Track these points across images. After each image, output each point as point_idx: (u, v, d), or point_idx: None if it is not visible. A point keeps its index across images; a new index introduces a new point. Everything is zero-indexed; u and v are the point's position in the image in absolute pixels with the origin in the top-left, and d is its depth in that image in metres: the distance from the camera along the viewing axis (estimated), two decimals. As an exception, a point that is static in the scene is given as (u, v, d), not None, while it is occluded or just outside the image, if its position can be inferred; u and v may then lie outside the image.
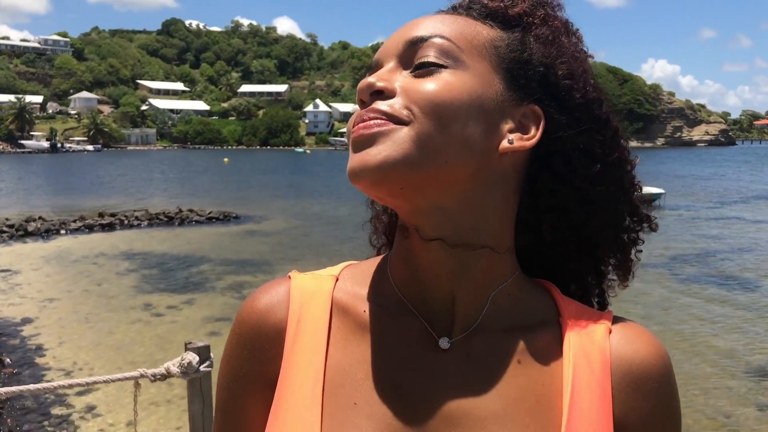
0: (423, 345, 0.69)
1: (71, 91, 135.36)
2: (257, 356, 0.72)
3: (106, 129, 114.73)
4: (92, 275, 13.78)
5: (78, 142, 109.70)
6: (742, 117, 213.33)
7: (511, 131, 0.68)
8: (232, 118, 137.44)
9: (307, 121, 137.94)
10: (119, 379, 2.84)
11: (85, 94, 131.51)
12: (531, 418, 0.65)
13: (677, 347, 9.01)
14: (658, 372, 0.68)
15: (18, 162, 72.40)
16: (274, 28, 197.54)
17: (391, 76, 0.67)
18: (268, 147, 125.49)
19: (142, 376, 2.75)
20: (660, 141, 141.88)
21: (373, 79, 0.67)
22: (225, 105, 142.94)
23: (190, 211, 23.37)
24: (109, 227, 20.57)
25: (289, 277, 0.76)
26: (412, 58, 0.68)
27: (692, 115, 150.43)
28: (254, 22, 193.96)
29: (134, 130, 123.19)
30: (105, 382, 2.82)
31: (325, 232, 19.73)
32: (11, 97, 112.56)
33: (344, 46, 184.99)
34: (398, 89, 0.66)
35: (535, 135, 0.68)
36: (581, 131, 0.70)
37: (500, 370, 0.68)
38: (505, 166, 0.68)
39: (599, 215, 0.73)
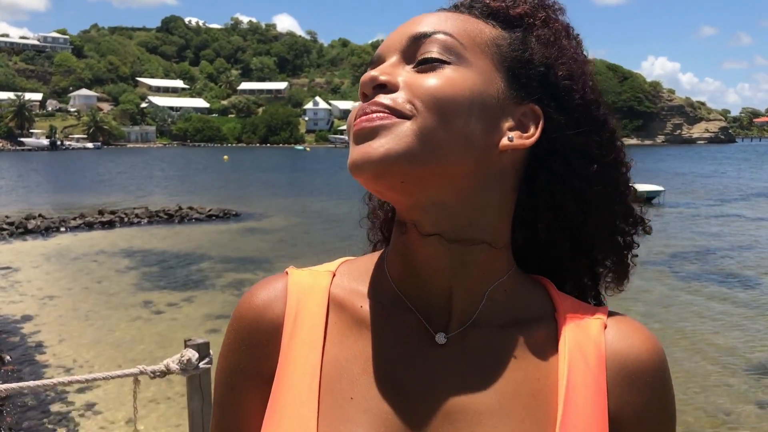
0: (420, 340, 0.70)
1: (71, 88, 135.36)
2: (255, 351, 0.72)
3: (105, 126, 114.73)
4: (92, 273, 13.78)
5: (78, 140, 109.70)
6: (742, 114, 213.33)
7: (511, 129, 0.68)
8: (232, 115, 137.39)
9: (306, 118, 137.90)
10: (119, 376, 2.84)
11: (84, 91, 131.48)
12: (527, 413, 0.66)
13: (678, 345, 9.01)
14: (652, 367, 0.69)
15: (18, 160, 72.38)
16: (273, 26, 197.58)
17: (394, 70, 0.68)
18: (268, 144, 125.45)
19: (141, 373, 2.75)
20: (660, 138, 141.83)
21: (376, 73, 0.67)
22: (225, 102, 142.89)
23: (190, 208, 23.36)
24: (109, 225, 20.56)
25: (287, 273, 0.76)
26: (415, 54, 0.68)
27: (692, 112, 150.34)
28: (254, 20, 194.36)
29: (134, 127, 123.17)
30: (105, 378, 2.82)
31: (325, 230, 19.72)
32: (11, 95, 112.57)
33: (344, 43, 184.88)
34: (401, 83, 0.66)
35: (534, 134, 0.69)
36: (579, 132, 0.71)
37: (496, 365, 0.68)
38: (504, 164, 0.69)
39: (595, 215, 0.74)
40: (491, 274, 0.71)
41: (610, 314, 0.72)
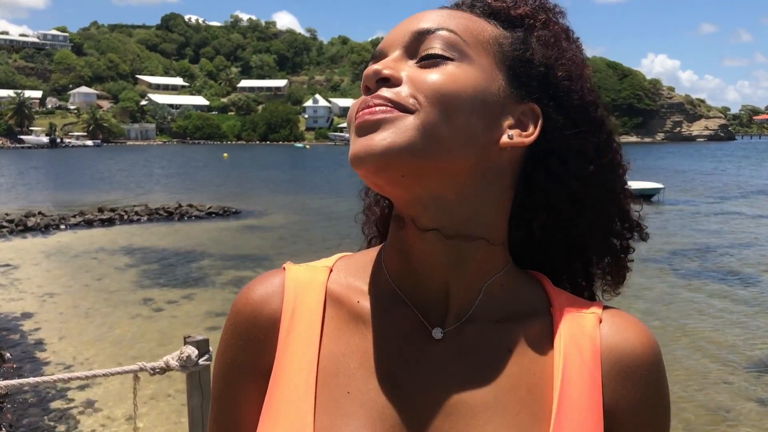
0: (416, 335, 0.70)
1: (70, 86, 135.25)
2: (252, 346, 0.72)
3: (105, 124, 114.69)
4: (92, 270, 13.78)
5: (77, 137, 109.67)
6: (742, 112, 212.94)
7: (511, 127, 0.69)
8: (232, 113, 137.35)
9: (306, 116, 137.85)
10: (119, 373, 2.83)
11: (84, 89, 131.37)
12: (522, 407, 0.66)
13: (678, 342, 9.02)
14: (647, 360, 0.69)
15: (17, 157, 72.36)
16: (273, 23, 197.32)
17: (397, 65, 0.68)
18: (268, 142, 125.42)
19: (141, 369, 2.74)
20: (659, 136, 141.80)
21: (380, 67, 0.67)
22: (224, 100, 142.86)
23: (190, 206, 23.37)
24: (108, 222, 20.57)
25: (284, 269, 0.77)
26: (418, 49, 0.69)
27: (692, 110, 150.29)
28: (253, 17, 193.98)
29: (134, 125, 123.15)
30: (104, 375, 2.81)
31: (325, 228, 19.72)
32: (10, 92, 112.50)
33: (344, 41, 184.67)
34: (404, 78, 0.66)
35: (533, 133, 0.70)
36: (577, 133, 0.72)
37: (492, 359, 0.69)
38: (503, 161, 0.70)
39: (589, 216, 0.75)
40: (488, 269, 0.71)
41: (605, 308, 0.73)
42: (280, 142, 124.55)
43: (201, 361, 2.80)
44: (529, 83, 0.71)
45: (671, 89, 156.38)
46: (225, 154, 73.02)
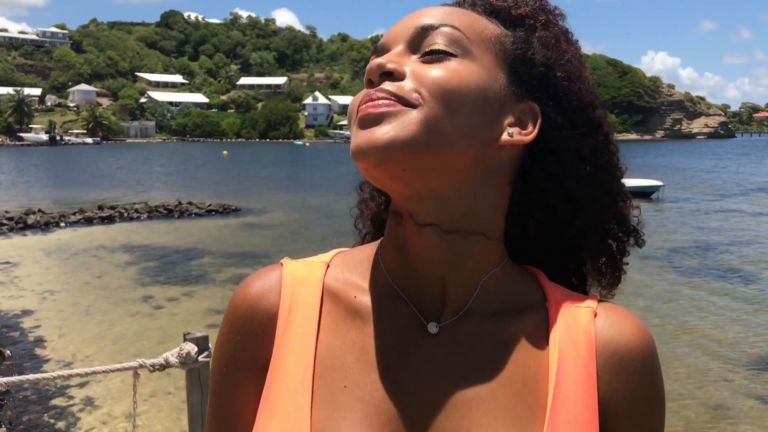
0: (412, 330, 0.70)
1: (70, 83, 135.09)
2: (250, 341, 0.73)
3: (105, 122, 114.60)
4: (92, 268, 13.78)
5: (77, 135, 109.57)
6: (742, 109, 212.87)
7: (510, 125, 0.70)
8: (231, 110, 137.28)
9: (306, 113, 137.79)
10: (118, 369, 2.83)
11: (83, 86, 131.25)
12: (518, 400, 0.67)
13: (678, 340, 9.03)
14: (642, 354, 0.69)
15: (17, 155, 72.32)
16: (273, 20, 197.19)
17: (400, 59, 0.68)
18: (267, 140, 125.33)
19: (141, 366, 2.75)
20: (659, 133, 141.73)
21: (384, 60, 0.68)
22: (224, 97, 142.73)
23: (190, 203, 23.35)
24: (108, 220, 20.57)
25: (281, 264, 0.77)
26: (421, 45, 0.69)
27: (692, 107, 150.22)
28: (253, 14, 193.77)
29: (133, 122, 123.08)
30: (104, 372, 2.82)
31: (325, 225, 19.71)
32: (10, 90, 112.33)
33: (343, 38, 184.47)
34: (408, 73, 0.67)
35: (532, 131, 0.71)
36: (575, 133, 0.73)
37: (488, 353, 0.69)
38: (502, 159, 0.70)
39: (585, 216, 0.75)
40: (485, 264, 0.72)
41: (600, 303, 0.73)
42: (280, 140, 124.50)
43: (200, 358, 2.80)
44: (529, 82, 0.71)
45: (671, 87, 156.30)
46: (225, 152, 73.00)
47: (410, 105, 0.65)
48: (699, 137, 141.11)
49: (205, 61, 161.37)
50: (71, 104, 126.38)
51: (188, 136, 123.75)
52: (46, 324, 9.65)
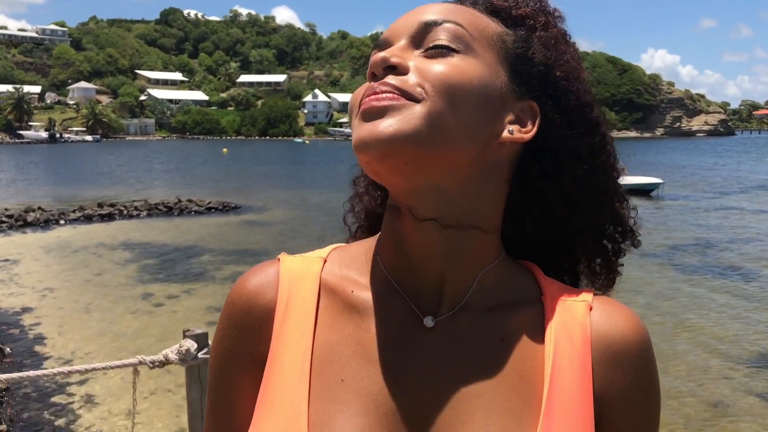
0: (409, 324, 0.71)
1: (69, 81, 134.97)
2: (247, 336, 0.73)
3: (104, 119, 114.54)
4: (92, 265, 13.78)
5: (77, 133, 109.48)
6: (742, 107, 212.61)
7: (510, 123, 0.70)
8: (231, 108, 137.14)
9: (306, 111, 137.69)
10: (118, 366, 2.83)
11: (83, 84, 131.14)
12: (514, 393, 0.67)
13: (679, 337, 9.03)
14: (637, 347, 0.70)
15: (17, 152, 72.28)
16: (272, 18, 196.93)
17: (403, 53, 0.69)
18: (267, 137, 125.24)
19: (140, 363, 2.75)
20: (659, 131, 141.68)
21: (388, 54, 0.68)
22: (224, 95, 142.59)
23: (190, 201, 23.34)
24: (108, 217, 20.56)
25: (279, 260, 0.78)
26: (424, 40, 0.70)
27: (691, 105, 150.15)
28: (253, 12, 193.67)
29: (133, 120, 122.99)
30: (104, 369, 2.82)
31: (325, 223, 19.68)
32: (9, 87, 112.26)
33: (343, 35, 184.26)
34: (411, 67, 0.67)
35: (532, 129, 0.71)
36: (573, 133, 0.74)
37: (484, 347, 0.70)
38: (501, 156, 0.71)
39: (581, 216, 0.76)
40: (483, 259, 0.72)
41: (595, 297, 0.74)
42: (280, 138, 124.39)
43: (200, 355, 2.80)
44: (529, 81, 0.72)
45: (671, 84, 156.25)
46: (224, 150, 72.95)
47: (414, 99, 0.65)
48: (699, 135, 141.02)
49: (205, 59, 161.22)
50: (71, 102, 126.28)
51: (188, 133, 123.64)
52: (46, 321, 9.65)
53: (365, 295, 0.73)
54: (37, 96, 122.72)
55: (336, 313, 0.73)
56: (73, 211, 20.63)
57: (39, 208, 20.79)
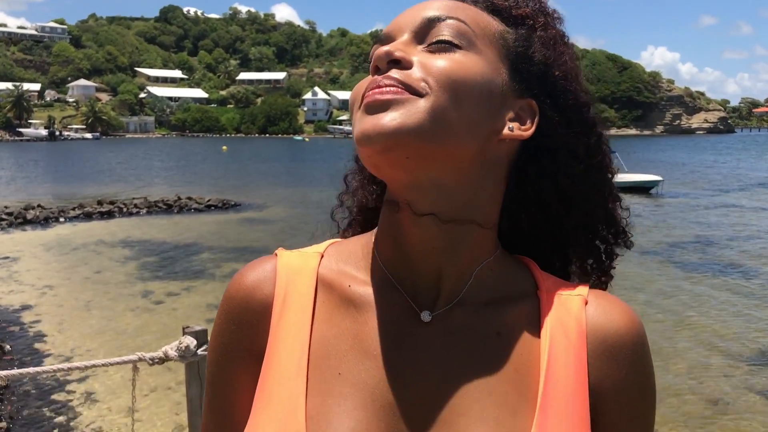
0: (406, 318, 0.71)
1: (69, 78, 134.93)
2: (245, 331, 0.74)
3: (104, 117, 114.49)
4: (91, 263, 13.78)
5: (76, 130, 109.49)
6: (742, 105, 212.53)
7: (510, 120, 0.71)
8: (231, 105, 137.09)
9: (305, 108, 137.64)
10: (118, 363, 2.83)
11: (83, 81, 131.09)
12: (510, 386, 0.68)
13: (680, 334, 9.03)
14: (632, 341, 0.70)
15: (16, 150, 72.24)
16: (272, 15, 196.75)
17: (407, 48, 0.69)
18: (267, 135, 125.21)
19: (140, 359, 2.74)
20: (659, 129, 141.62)
21: (392, 48, 0.68)
22: (223, 93, 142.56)
23: (189, 198, 23.34)
24: (108, 215, 20.55)
25: (276, 255, 0.78)
26: (427, 35, 0.70)
27: (691, 102, 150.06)
28: (252, 9, 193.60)
29: (132, 117, 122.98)
30: (104, 365, 2.81)
31: (325, 220, 19.67)
32: (9, 85, 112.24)
33: (343, 33, 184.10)
34: (415, 62, 0.68)
35: (531, 127, 0.72)
36: (570, 132, 0.75)
37: (480, 341, 0.70)
38: (500, 153, 0.72)
39: (575, 215, 0.77)
40: (480, 254, 0.73)
41: (591, 291, 0.74)
42: (279, 135, 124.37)
43: (200, 351, 2.80)
44: (529, 79, 0.73)
45: (671, 82, 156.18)
46: (224, 147, 72.88)
47: (417, 94, 0.65)
48: (698, 132, 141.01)
49: (205, 56, 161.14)
50: (70, 99, 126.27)
51: (187, 131, 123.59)
52: (45, 319, 9.64)
53: (362, 290, 0.73)
54: (36, 94, 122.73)
55: (333, 308, 0.73)
56: (73, 209, 20.62)
57: (39, 205, 20.79)
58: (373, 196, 0.84)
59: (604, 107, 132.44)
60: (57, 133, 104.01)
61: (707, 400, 6.91)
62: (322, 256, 0.78)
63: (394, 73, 0.67)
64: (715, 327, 9.44)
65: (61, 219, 19.53)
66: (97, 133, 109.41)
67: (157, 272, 12.93)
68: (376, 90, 0.66)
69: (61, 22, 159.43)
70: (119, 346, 8.32)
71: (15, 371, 3.04)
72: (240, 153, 65.77)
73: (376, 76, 0.68)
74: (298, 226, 18.86)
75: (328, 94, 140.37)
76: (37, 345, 8.50)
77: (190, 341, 2.78)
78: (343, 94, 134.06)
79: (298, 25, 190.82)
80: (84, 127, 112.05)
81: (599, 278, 0.81)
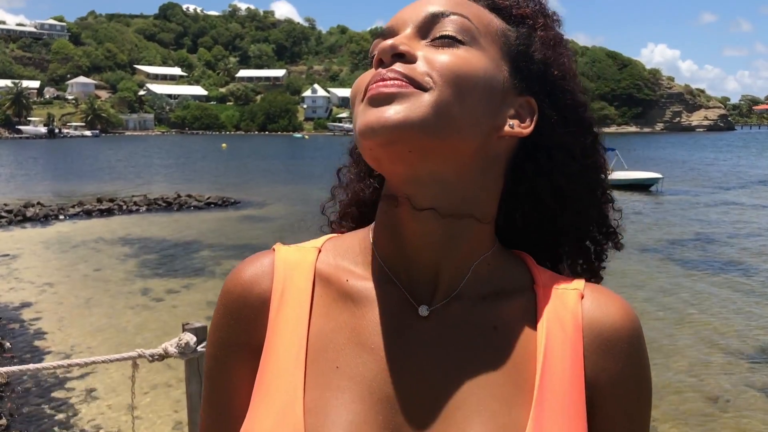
0: (404, 313, 0.72)
1: (68, 76, 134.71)
2: (243, 325, 0.74)
3: (103, 114, 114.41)
4: (91, 260, 13.78)
5: (76, 128, 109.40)
6: (742, 102, 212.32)
7: (510, 117, 0.72)
8: (230, 103, 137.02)
9: (305, 106, 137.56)
10: (118, 359, 2.82)
11: (82, 79, 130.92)
12: (506, 379, 0.68)
13: (680, 332, 9.03)
14: (627, 334, 0.71)
15: (16, 147, 72.18)
16: (272, 12, 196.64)
17: (411, 42, 0.70)
18: (266, 132, 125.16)
19: (140, 356, 2.74)
20: (659, 126, 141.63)
21: (396, 42, 0.68)
22: (223, 90, 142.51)
23: (189, 196, 23.34)
24: (107, 212, 20.54)
25: (274, 250, 0.79)
26: (431, 30, 0.70)
27: (691, 100, 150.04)
28: (252, 6, 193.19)
29: (132, 115, 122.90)
30: (104, 362, 2.81)
31: (325, 218, 19.66)
32: (8, 83, 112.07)
33: (342, 30, 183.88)
34: (419, 56, 0.68)
35: (530, 125, 0.73)
36: (567, 131, 0.75)
37: (477, 335, 0.71)
38: (500, 149, 0.72)
39: (568, 213, 0.78)
40: (478, 248, 0.73)
41: (587, 285, 0.75)
42: (279, 133, 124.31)
43: (200, 348, 2.79)
44: (529, 78, 0.74)
45: (671, 79, 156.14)
46: (223, 145, 72.88)
47: (421, 88, 0.65)
48: (698, 130, 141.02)
49: (204, 54, 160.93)
50: (70, 97, 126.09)
51: (187, 128, 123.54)
52: (45, 316, 9.64)
53: (360, 285, 0.74)
54: (35, 91, 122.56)
55: (331, 302, 0.73)
56: (73, 206, 20.62)
57: (38, 203, 20.78)
58: (369, 189, 0.84)
59: (604, 104, 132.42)
60: (56, 130, 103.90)
61: (708, 397, 6.91)
62: (320, 251, 0.78)
63: (399, 66, 0.67)
64: (715, 324, 9.44)
65: (61, 216, 19.53)
66: (97, 131, 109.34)
67: (156, 270, 12.93)
68: (381, 83, 0.66)
69: (61, 20, 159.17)
70: (119, 343, 8.32)
71: (15, 368, 3.03)
72: (239, 150, 65.75)
73: (380, 69, 0.68)
74: (298, 224, 18.86)
75: (328, 92, 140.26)
76: (37, 342, 8.50)
77: (190, 338, 2.77)
78: (342, 92, 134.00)
79: (298, 23, 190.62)
80: (83, 124, 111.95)
81: (588, 280, 0.81)
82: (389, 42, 0.68)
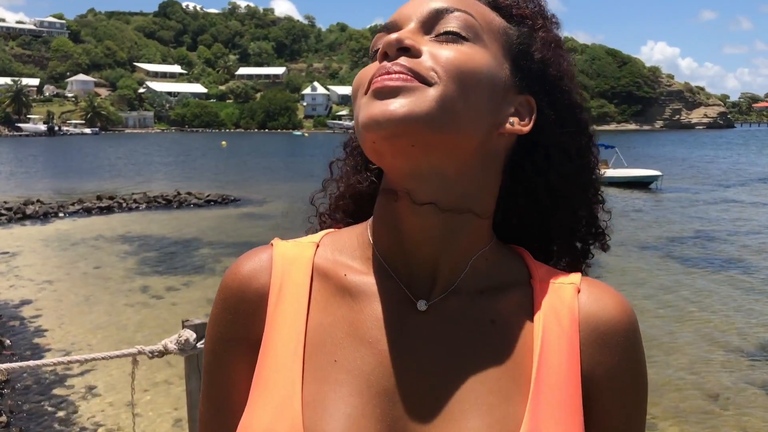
0: (401, 307, 0.72)
1: (68, 73, 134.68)
2: (241, 320, 0.74)
3: (103, 112, 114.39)
4: (91, 258, 13.77)
5: (75, 125, 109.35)
6: (741, 100, 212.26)
7: (511, 115, 0.73)
8: (230, 100, 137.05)
9: (305, 103, 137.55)
10: (117, 356, 2.82)
11: (81, 76, 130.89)
12: (503, 373, 0.69)
13: (680, 329, 9.03)
14: (624, 328, 0.71)
15: (15, 145, 72.15)
16: (271, 10, 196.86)
17: (415, 36, 0.70)
18: (266, 130, 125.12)
19: (139, 352, 2.73)
20: (659, 124, 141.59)
21: (402, 36, 0.69)
22: (222, 88, 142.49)
23: (189, 194, 23.32)
24: (107, 210, 20.54)
25: (272, 245, 0.79)
26: (435, 26, 0.71)
27: (691, 97, 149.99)
28: (252, 4, 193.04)
29: (132, 113, 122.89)
30: (103, 358, 2.80)
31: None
32: (8, 80, 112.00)
33: (342, 28, 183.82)
34: (424, 51, 0.68)
35: (529, 123, 0.73)
36: (564, 131, 0.77)
37: (475, 329, 0.71)
38: (499, 146, 0.73)
39: (561, 212, 0.79)
40: (476, 243, 0.74)
41: (583, 279, 0.75)
42: (279, 130, 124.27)
43: (199, 345, 2.79)
44: (528, 76, 0.75)
45: (670, 77, 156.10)
46: (223, 142, 72.83)
47: (426, 82, 0.66)
48: (698, 127, 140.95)
49: (204, 51, 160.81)
50: (69, 94, 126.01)
51: (187, 126, 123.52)
52: (45, 314, 9.64)
53: (358, 279, 0.74)
54: (35, 89, 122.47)
55: (329, 297, 0.74)
56: (72, 204, 20.61)
57: (38, 200, 20.76)
58: (366, 182, 0.84)
59: (604, 102, 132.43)
60: (56, 128, 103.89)
61: (708, 394, 6.91)
62: (318, 246, 0.78)
63: (404, 60, 0.67)
64: (715, 322, 9.44)
65: (61, 214, 19.52)
66: (96, 128, 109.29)
67: (156, 267, 12.92)
68: (386, 76, 0.66)
69: (60, 17, 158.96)
70: (119, 340, 8.32)
71: (15, 365, 3.03)
72: (239, 148, 65.70)
73: (385, 62, 0.68)
74: (298, 221, 18.67)
75: (328, 89, 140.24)
76: (36, 340, 8.50)
77: (190, 334, 2.77)
78: (342, 89, 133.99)
79: (298, 20, 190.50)
80: (83, 122, 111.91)
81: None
82: (395, 36, 0.68)
